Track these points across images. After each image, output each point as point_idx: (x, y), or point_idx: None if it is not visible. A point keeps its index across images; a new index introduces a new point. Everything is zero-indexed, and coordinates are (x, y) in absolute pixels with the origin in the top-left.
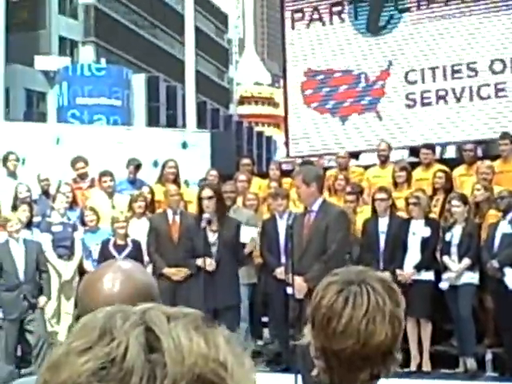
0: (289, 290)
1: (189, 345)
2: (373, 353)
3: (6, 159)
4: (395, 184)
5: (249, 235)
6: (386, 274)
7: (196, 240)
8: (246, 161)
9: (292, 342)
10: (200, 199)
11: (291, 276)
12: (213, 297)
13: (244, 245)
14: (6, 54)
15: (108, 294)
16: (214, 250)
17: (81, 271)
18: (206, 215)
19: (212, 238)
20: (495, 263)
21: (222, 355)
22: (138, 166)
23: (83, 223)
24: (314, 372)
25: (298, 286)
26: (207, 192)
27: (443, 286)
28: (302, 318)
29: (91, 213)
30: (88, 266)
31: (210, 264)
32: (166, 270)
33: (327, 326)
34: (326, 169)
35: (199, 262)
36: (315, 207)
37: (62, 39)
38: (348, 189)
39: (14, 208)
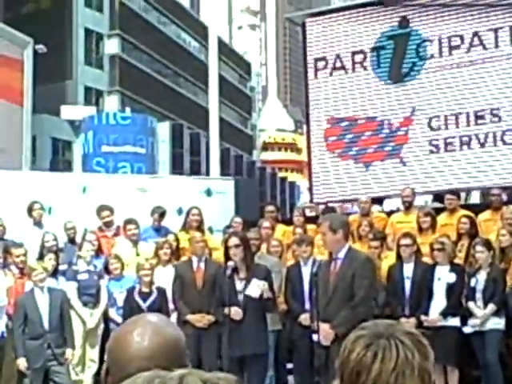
0: (315, 337)
1: None
2: None
3: (30, 209)
4: (420, 229)
5: (257, 288)
6: (412, 323)
7: (223, 288)
8: (270, 208)
9: None
10: (226, 247)
11: (317, 323)
12: (239, 345)
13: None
14: (33, 103)
15: (138, 348)
16: (240, 298)
17: (105, 319)
18: (230, 263)
19: (239, 286)
20: None
21: None
22: (162, 214)
23: (108, 271)
24: None
25: (325, 332)
26: (234, 240)
27: (467, 330)
28: (328, 364)
29: (116, 260)
30: (113, 313)
31: (236, 313)
32: (190, 317)
33: (356, 380)
34: (348, 214)
35: (226, 310)
36: (341, 254)
37: (87, 89)
38: (370, 235)
39: (41, 257)
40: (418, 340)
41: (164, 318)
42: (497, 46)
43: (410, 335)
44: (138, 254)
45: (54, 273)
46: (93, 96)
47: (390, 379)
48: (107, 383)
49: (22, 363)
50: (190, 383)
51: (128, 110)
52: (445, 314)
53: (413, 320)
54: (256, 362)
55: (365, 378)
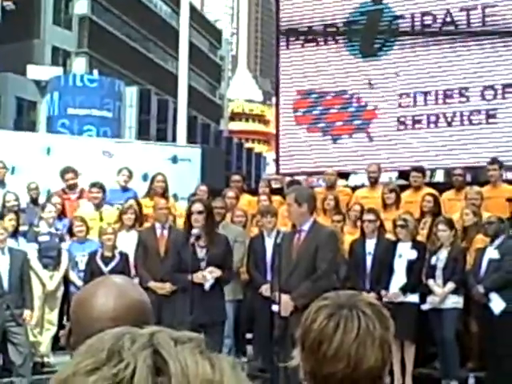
0: (274, 308)
1: (195, 369)
2: (362, 377)
3: None
4: (384, 205)
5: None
6: (372, 296)
7: (185, 255)
8: (236, 177)
9: (276, 359)
10: (189, 214)
11: (278, 294)
12: (200, 312)
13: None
14: None
15: (102, 309)
16: (202, 265)
17: (66, 282)
18: (194, 231)
19: (200, 253)
20: (481, 288)
21: (227, 380)
22: (130, 173)
23: (71, 234)
24: None
25: (285, 303)
26: (198, 207)
27: (425, 307)
28: (287, 336)
29: (81, 223)
30: (73, 276)
31: (202, 278)
32: (152, 284)
33: (318, 349)
34: (312, 187)
35: (189, 277)
36: (305, 227)
37: (55, 49)
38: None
39: (1, 217)
40: (379, 311)
41: (129, 279)
42: (469, 25)
43: (371, 306)
44: (101, 219)
45: (14, 233)
46: (60, 57)
47: (351, 349)
48: (70, 343)
49: None
50: (160, 340)
51: (96, 72)
52: (404, 290)
53: (373, 295)
54: (214, 330)
55: (326, 347)
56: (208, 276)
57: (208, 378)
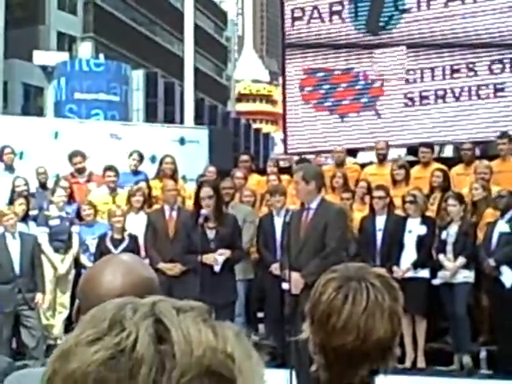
0: (284, 286)
1: (198, 337)
2: (372, 349)
3: (1, 153)
4: (393, 182)
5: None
6: (383, 270)
7: (194, 236)
8: (244, 157)
9: (287, 337)
10: (198, 196)
11: (288, 272)
12: (210, 293)
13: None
14: (4, 48)
15: (110, 286)
16: (212, 245)
17: (77, 265)
18: (203, 211)
19: (210, 234)
20: (492, 262)
21: (230, 347)
22: (141, 156)
23: (80, 218)
24: (313, 368)
25: (295, 281)
26: (207, 191)
27: (436, 282)
28: (298, 313)
29: (88, 207)
30: (84, 260)
31: (214, 259)
32: (162, 265)
33: (327, 322)
34: (321, 166)
35: (199, 258)
36: (313, 205)
37: (60, 35)
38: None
39: (11, 202)
40: (388, 282)
41: (137, 257)
42: (475, 1)
43: (380, 278)
44: (115, 202)
45: (25, 218)
46: (66, 42)
47: (360, 321)
48: (78, 321)
49: None
50: (162, 309)
51: (102, 56)
52: (415, 265)
53: (384, 271)
54: (225, 310)
55: (335, 319)
56: (219, 258)
57: (211, 346)
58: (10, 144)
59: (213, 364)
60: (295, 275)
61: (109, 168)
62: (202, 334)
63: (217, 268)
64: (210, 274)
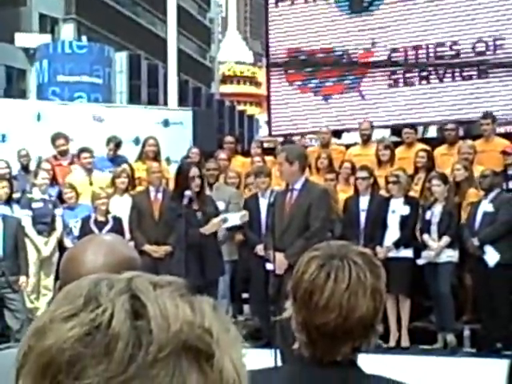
0: (269, 266)
1: (174, 312)
2: (355, 326)
3: None
4: (379, 162)
5: (236, 219)
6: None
7: (186, 217)
8: (229, 138)
9: (272, 317)
10: (183, 177)
11: (272, 252)
12: (197, 272)
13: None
14: None
15: (91, 266)
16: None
17: (60, 248)
18: (187, 192)
19: (198, 215)
20: (476, 241)
21: (208, 322)
22: (118, 144)
23: (62, 200)
24: (296, 346)
25: (279, 261)
26: (196, 171)
27: (420, 262)
28: (282, 293)
29: (70, 190)
30: (68, 243)
31: (212, 225)
32: (147, 247)
33: (309, 300)
34: (306, 147)
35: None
36: (297, 185)
37: (42, 16)
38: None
39: None
40: (370, 260)
41: (119, 237)
42: None
43: (362, 255)
44: (91, 183)
45: (8, 201)
46: (48, 24)
47: (342, 299)
48: None
49: None
50: (138, 285)
51: (84, 38)
52: (397, 244)
53: (367, 250)
54: (210, 289)
55: (318, 297)
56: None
57: (188, 320)
58: None
59: (190, 339)
60: (279, 256)
61: (84, 149)
62: (178, 308)
63: (237, 221)
64: (198, 253)
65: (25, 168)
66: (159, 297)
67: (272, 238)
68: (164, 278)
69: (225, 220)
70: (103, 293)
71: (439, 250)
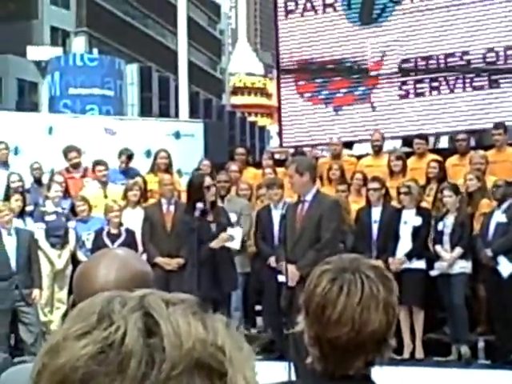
0: (280, 278)
1: (187, 329)
2: (367, 340)
3: None
4: (391, 173)
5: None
6: (379, 262)
7: (200, 230)
8: (240, 150)
9: (285, 330)
10: (196, 189)
11: (284, 264)
12: (210, 285)
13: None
14: None
15: (104, 280)
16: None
17: (74, 261)
18: (199, 205)
19: (212, 227)
20: (489, 252)
21: (221, 340)
22: (129, 156)
23: (74, 213)
24: (309, 360)
25: (291, 273)
26: (210, 181)
27: (433, 273)
28: (294, 305)
29: (82, 203)
30: (81, 255)
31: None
32: (159, 260)
33: (322, 314)
34: (317, 158)
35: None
36: (308, 197)
37: (53, 29)
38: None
39: (7, 198)
40: (382, 274)
41: (132, 252)
42: None
43: (374, 269)
44: (106, 196)
45: (21, 214)
46: (59, 37)
47: (355, 313)
48: None
49: None
50: (150, 302)
51: (95, 51)
52: (410, 255)
53: (379, 262)
54: (223, 302)
55: (330, 312)
56: (233, 233)
57: (201, 338)
58: (4, 140)
59: (203, 356)
60: (291, 267)
61: (98, 162)
62: (191, 326)
63: (237, 245)
64: (210, 266)
65: (37, 181)
66: (172, 314)
67: (284, 249)
68: (176, 295)
69: (232, 238)
70: (116, 310)
71: (452, 261)
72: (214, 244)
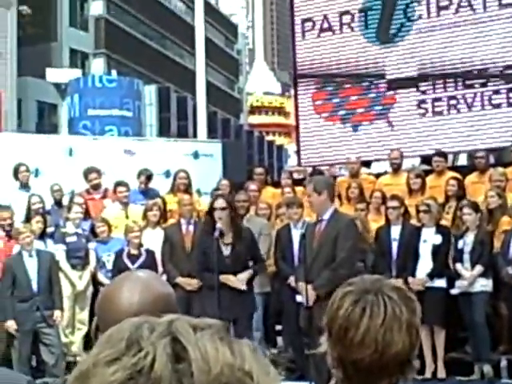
0: (298, 298)
1: (215, 354)
2: (391, 362)
3: (16, 171)
4: (410, 191)
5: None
6: (399, 282)
7: (210, 254)
8: (259, 170)
9: (306, 350)
10: (211, 210)
11: (303, 284)
12: (229, 308)
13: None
14: (18, 66)
15: (127, 303)
16: (228, 262)
17: (94, 282)
18: (218, 225)
19: (226, 251)
20: (510, 270)
21: (248, 364)
22: (149, 177)
23: (94, 234)
24: (332, 382)
25: (308, 293)
26: (220, 203)
27: (454, 291)
28: (313, 325)
29: (102, 224)
30: (101, 277)
31: (238, 282)
32: (180, 280)
33: (344, 336)
34: (335, 177)
35: (221, 277)
36: (326, 216)
37: (72, 51)
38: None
39: (28, 220)
40: (405, 295)
41: (154, 274)
42: (485, 8)
43: (397, 290)
44: (127, 217)
45: (42, 235)
46: (78, 58)
47: (378, 335)
48: (98, 338)
49: (11, 325)
50: (178, 328)
51: (114, 72)
52: (431, 275)
53: (400, 281)
54: (243, 323)
55: (353, 333)
56: (241, 280)
57: (229, 363)
58: (25, 162)
59: (231, 381)
60: (308, 287)
61: (120, 183)
62: (219, 351)
63: (243, 287)
64: (228, 290)
65: (58, 203)
66: (200, 340)
67: (304, 269)
68: (203, 320)
69: (241, 284)
70: (145, 336)
71: (472, 280)
72: (223, 279)
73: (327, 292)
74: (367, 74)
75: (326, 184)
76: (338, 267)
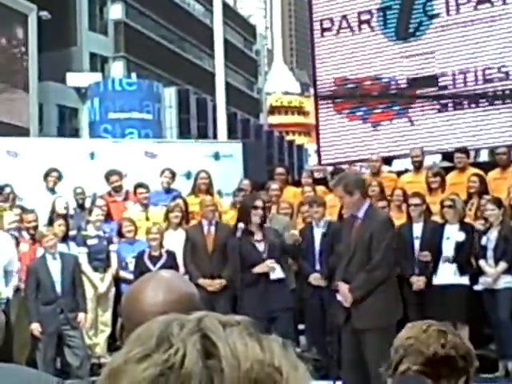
0: (339, 297)
1: (245, 350)
2: None
3: (47, 175)
4: (429, 189)
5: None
6: (422, 281)
7: (244, 251)
8: (280, 170)
9: (330, 349)
10: (248, 209)
11: (342, 284)
12: (266, 303)
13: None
14: (38, 71)
15: (152, 303)
16: (264, 257)
17: (116, 283)
18: (241, 225)
19: (260, 247)
20: None
21: (277, 360)
22: (173, 174)
23: (121, 235)
24: None
25: (344, 294)
26: (260, 203)
27: (477, 287)
28: (347, 325)
29: (129, 223)
30: (124, 274)
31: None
32: (202, 281)
33: None
34: None
35: (257, 268)
36: (360, 213)
37: (92, 55)
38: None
39: (50, 223)
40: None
41: (177, 273)
42: (504, 2)
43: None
44: (147, 218)
45: (65, 238)
46: (98, 62)
47: None
48: (123, 338)
49: (35, 328)
50: (207, 324)
51: (134, 75)
52: (454, 272)
53: (422, 279)
54: (283, 317)
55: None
56: (273, 265)
57: (258, 359)
58: (56, 167)
59: (260, 377)
60: (344, 288)
61: (140, 185)
62: (248, 347)
63: (273, 275)
64: (266, 285)
65: (80, 206)
66: (229, 336)
67: (342, 269)
68: (232, 317)
69: (273, 269)
70: (175, 333)
71: (496, 276)
72: (258, 269)
73: (363, 294)
74: (386, 72)
75: (357, 183)
76: (373, 269)
